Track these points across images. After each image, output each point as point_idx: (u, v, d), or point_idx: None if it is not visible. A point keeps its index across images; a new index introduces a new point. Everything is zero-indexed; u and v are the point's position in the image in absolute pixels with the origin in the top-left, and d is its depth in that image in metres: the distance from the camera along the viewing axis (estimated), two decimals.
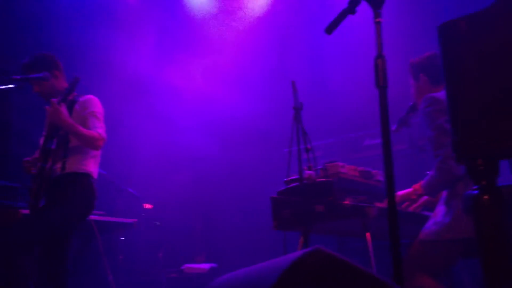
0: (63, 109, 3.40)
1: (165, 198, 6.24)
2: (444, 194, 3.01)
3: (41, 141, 3.65)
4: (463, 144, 1.49)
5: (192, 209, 6.45)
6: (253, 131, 6.16)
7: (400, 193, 3.18)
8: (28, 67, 3.61)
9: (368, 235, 2.99)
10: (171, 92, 6.44)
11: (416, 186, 3.11)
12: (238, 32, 6.54)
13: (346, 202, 3.01)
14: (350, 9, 1.98)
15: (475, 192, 1.49)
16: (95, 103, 3.61)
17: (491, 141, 1.45)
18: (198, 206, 6.45)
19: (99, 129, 3.51)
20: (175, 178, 6.32)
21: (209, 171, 6.32)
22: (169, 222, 6.11)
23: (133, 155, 6.17)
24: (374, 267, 2.95)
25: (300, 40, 6.34)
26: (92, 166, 3.62)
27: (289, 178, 3.32)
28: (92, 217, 4.02)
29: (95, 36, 5.81)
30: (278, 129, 4.51)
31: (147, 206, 5.95)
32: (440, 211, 2.97)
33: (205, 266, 5.73)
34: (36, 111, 4.18)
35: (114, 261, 5.18)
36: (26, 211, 3.60)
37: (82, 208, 3.52)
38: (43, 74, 3.53)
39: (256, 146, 6.17)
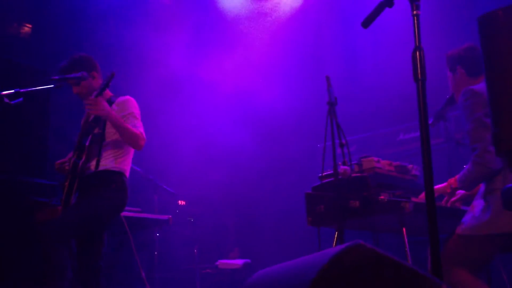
0: (103, 101, 3.44)
1: (199, 194, 6.30)
2: (482, 188, 2.97)
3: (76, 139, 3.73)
4: (503, 137, 1.47)
5: (226, 205, 6.50)
6: (289, 127, 6.17)
7: (435, 187, 3.15)
8: (67, 69, 3.68)
9: (404, 230, 2.96)
10: (207, 89, 6.50)
11: (451, 180, 3.07)
12: (272, 30, 6.54)
13: (382, 197, 2.99)
14: (388, 2, 1.96)
15: None
16: (133, 104, 3.66)
17: None
18: (231, 201, 6.49)
19: (140, 129, 3.56)
20: (209, 174, 6.38)
21: (243, 167, 6.35)
22: (203, 218, 6.16)
23: (168, 151, 6.25)
24: (410, 263, 2.92)
25: (334, 35, 6.31)
26: (126, 164, 3.67)
27: (324, 174, 3.31)
28: (128, 213, 4.09)
29: (131, 34, 5.91)
30: (314, 125, 4.50)
31: (181, 202, 6.02)
32: (478, 205, 2.93)
33: (239, 261, 5.77)
34: (73, 111, 4.27)
35: (150, 257, 5.26)
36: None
37: (115, 206, 3.56)
38: (81, 74, 3.60)
39: (291, 141, 6.18)
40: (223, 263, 5.77)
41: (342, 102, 3.35)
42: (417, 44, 1.81)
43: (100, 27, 5.84)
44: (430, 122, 3.39)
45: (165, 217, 4.63)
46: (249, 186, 6.32)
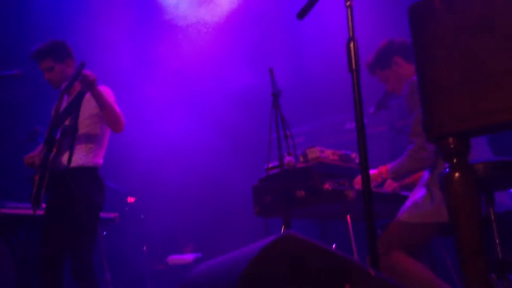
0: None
1: (150, 190, 6.22)
2: (425, 176, 3.04)
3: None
4: (434, 124, 1.51)
5: (178, 200, 6.44)
6: (233, 120, 6.15)
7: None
8: (38, 54, 3.52)
9: (348, 217, 3.02)
10: (155, 81, 6.40)
11: (382, 169, 3.11)
12: (217, 22, 6.51)
13: (326, 186, 3.04)
14: None
15: (446, 170, 1.51)
16: (109, 93, 3.53)
17: (461, 120, 1.47)
18: (184, 197, 6.44)
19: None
20: (159, 170, 6.30)
21: (191, 162, 6.31)
22: (155, 214, 6.09)
23: (117, 148, 6.13)
24: (355, 249, 2.99)
25: (278, 26, 6.32)
26: (99, 158, 3.53)
27: (270, 165, 3.34)
28: None
29: (75, 28, 5.74)
30: (259, 117, 4.51)
31: (130, 199, 5.91)
32: (420, 192, 3.00)
33: (190, 256, 5.74)
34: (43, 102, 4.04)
35: (97, 257, 5.15)
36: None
37: (96, 205, 3.43)
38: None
39: (236, 134, 6.17)
40: (174, 259, 5.73)
41: (287, 94, 3.37)
42: (351, 35, 1.83)
43: (41, 24, 5.66)
44: (371, 110, 3.45)
45: (111, 215, 4.54)
46: (202, 180, 6.28)
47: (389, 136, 4.58)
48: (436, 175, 2.87)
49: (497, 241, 2.59)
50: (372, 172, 3.17)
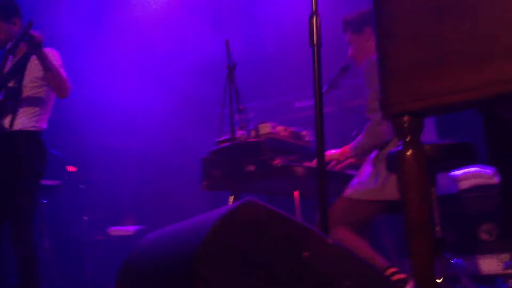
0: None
1: (93, 160, 6.07)
2: (372, 155, 3.12)
3: None
4: (390, 101, 1.54)
5: (122, 171, 6.32)
6: (185, 91, 6.07)
7: (329, 152, 3.27)
8: None
9: (296, 193, 3.07)
10: (102, 53, 6.20)
11: (346, 148, 3.20)
12: None
13: (276, 162, 3.06)
14: None
15: (399, 147, 1.55)
16: (56, 56, 3.39)
17: (416, 99, 1.51)
18: (127, 168, 6.32)
19: None
20: (102, 139, 6.14)
21: (137, 132, 6.19)
22: (97, 185, 5.96)
23: (58, 115, 5.94)
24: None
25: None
26: (43, 122, 3.42)
27: (221, 139, 3.33)
28: None
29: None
30: (212, 90, 4.48)
31: (70, 168, 5.74)
32: (366, 171, 3.08)
33: (132, 228, 5.68)
34: None
35: (38, 226, 5.02)
36: None
37: (37, 170, 3.32)
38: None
39: (189, 106, 6.10)
40: (115, 230, 5.66)
41: (239, 69, 3.35)
42: (314, 9, 1.83)
43: None
44: (324, 89, 3.48)
45: (53, 182, 4.42)
46: (148, 152, 6.18)
47: (339, 116, 4.65)
48: (383, 153, 2.95)
49: (437, 221, 2.70)
50: (336, 151, 3.24)
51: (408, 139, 1.53)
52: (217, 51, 3.75)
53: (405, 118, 1.53)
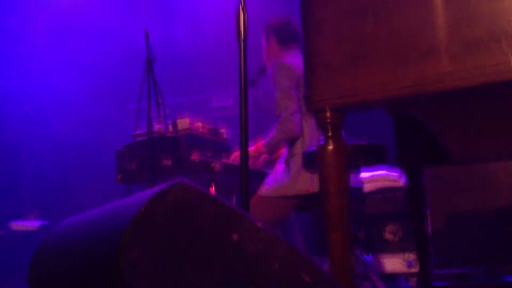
0: None
1: None
2: (284, 153, 3.20)
3: None
4: (315, 97, 1.58)
5: (25, 163, 5.99)
6: (105, 82, 5.86)
7: None
8: None
9: (211, 189, 3.07)
10: (16, 43, 5.87)
11: (259, 144, 3.26)
12: None
13: (194, 157, 3.05)
14: None
15: (321, 142, 1.59)
16: None
17: (338, 96, 1.57)
18: (32, 160, 6.00)
19: None
20: (9, 128, 5.80)
21: (50, 122, 5.90)
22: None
23: None
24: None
25: None
26: None
27: (138, 132, 3.26)
28: None
29: None
30: (130, 81, 4.36)
31: None
32: (279, 169, 3.15)
33: (35, 223, 5.41)
34: None
35: None
36: None
37: None
38: None
39: (106, 98, 5.89)
40: (17, 224, 5.35)
41: (159, 63, 3.30)
42: (242, 4, 1.84)
43: None
44: None
45: None
46: (58, 142, 5.89)
47: (256, 117, 4.70)
48: (293, 149, 3.05)
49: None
50: (250, 148, 3.27)
51: (330, 134, 1.58)
52: (138, 42, 3.66)
53: (328, 113, 1.58)
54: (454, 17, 1.48)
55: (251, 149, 3.32)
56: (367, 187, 3.93)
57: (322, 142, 1.59)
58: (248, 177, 1.96)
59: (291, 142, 3.10)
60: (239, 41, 1.85)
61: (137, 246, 0.85)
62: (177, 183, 0.95)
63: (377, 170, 3.96)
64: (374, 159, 2.71)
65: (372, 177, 4.00)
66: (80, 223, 1.16)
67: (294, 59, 3.12)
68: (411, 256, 3.60)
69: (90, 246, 0.98)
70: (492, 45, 1.43)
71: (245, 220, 0.96)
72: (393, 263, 3.69)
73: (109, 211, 1.05)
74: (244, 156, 1.94)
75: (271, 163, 3.44)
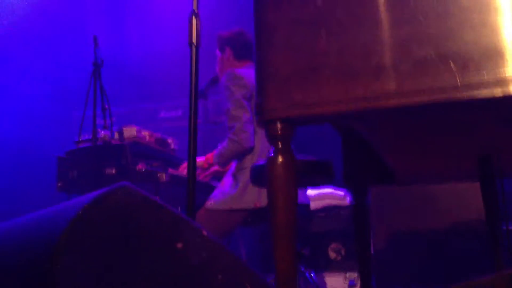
0: None
1: None
2: (232, 166, 3.17)
3: None
4: (266, 107, 1.56)
5: None
6: (49, 86, 5.67)
7: None
8: None
9: (157, 199, 2.99)
10: None
11: (209, 155, 3.22)
12: None
13: (139, 166, 2.97)
14: None
15: (271, 154, 1.57)
16: None
17: (289, 107, 1.55)
18: None
19: None
20: None
21: None
22: None
23: None
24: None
25: None
26: None
27: (81, 139, 3.15)
28: None
29: None
30: (76, 87, 4.23)
31: None
32: (227, 182, 3.12)
33: None
34: None
35: None
36: None
37: None
38: None
39: (50, 103, 5.69)
40: None
41: (106, 69, 3.22)
42: (195, 9, 1.82)
43: None
44: None
45: None
46: None
47: (204, 129, 4.66)
48: (242, 163, 3.03)
49: None
50: (199, 159, 3.22)
51: (279, 146, 1.56)
52: (85, 47, 3.56)
53: (278, 124, 1.56)
54: (404, 36, 1.50)
55: (201, 159, 3.27)
56: (313, 205, 3.95)
57: (271, 154, 1.57)
58: (195, 188, 1.93)
59: (241, 156, 3.07)
60: (190, 45, 1.81)
61: (74, 251, 0.80)
62: (119, 186, 0.90)
63: (323, 188, 3.99)
64: (322, 175, 2.72)
65: (318, 194, 4.03)
66: (12, 228, 1.09)
67: (248, 70, 3.12)
68: (353, 275, 3.62)
69: (23, 251, 0.91)
70: (440, 65, 1.46)
71: (190, 228, 0.92)
72: (336, 281, 3.71)
73: (45, 215, 0.98)
74: (192, 166, 1.91)
75: (219, 176, 3.40)
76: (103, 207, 0.86)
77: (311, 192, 3.95)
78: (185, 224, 0.94)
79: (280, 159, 1.54)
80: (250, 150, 3.04)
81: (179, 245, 0.90)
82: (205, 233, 0.94)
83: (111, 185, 0.91)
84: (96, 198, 0.86)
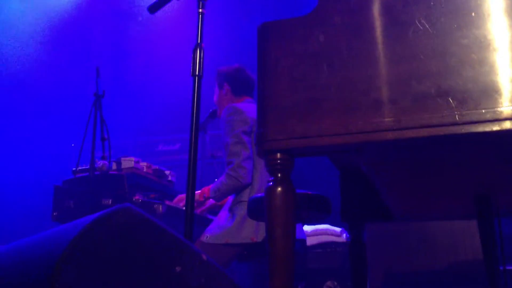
0: None
1: None
2: (229, 200, 3.15)
3: None
4: (266, 138, 1.57)
5: None
6: (49, 117, 5.69)
7: None
8: None
9: None
10: None
11: (205, 189, 3.20)
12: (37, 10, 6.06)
13: (136, 197, 2.96)
14: None
15: (270, 184, 1.57)
16: None
17: (289, 138, 1.56)
18: None
19: None
20: None
21: None
22: None
23: None
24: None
25: (105, 28, 6.11)
26: None
27: (79, 168, 3.15)
28: None
29: None
30: (75, 117, 4.25)
31: None
32: (223, 216, 3.10)
33: None
34: None
35: None
36: None
37: None
38: None
39: (50, 132, 5.70)
40: None
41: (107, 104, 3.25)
42: (199, 41, 1.85)
43: None
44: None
45: None
46: None
47: (201, 164, 4.66)
48: (240, 197, 3.01)
49: None
50: (196, 192, 3.20)
51: (279, 176, 1.57)
52: (87, 78, 3.60)
53: (278, 155, 1.57)
54: (404, 73, 1.53)
55: (198, 193, 3.25)
56: (310, 240, 3.92)
57: (270, 184, 1.57)
58: (193, 220, 1.92)
59: (240, 189, 3.06)
60: (193, 76, 1.84)
61: (74, 269, 0.79)
62: (122, 207, 0.90)
63: (319, 224, 3.97)
64: (320, 210, 2.71)
65: (315, 230, 4.00)
66: (14, 247, 1.08)
67: (249, 105, 3.14)
68: None
69: (24, 268, 0.91)
70: (439, 101, 1.48)
71: (190, 251, 0.92)
72: None
73: (47, 235, 0.98)
74: (190, 198, 1.90)
75: (215, 210, 3.39)
76: (105, 227, 0.86)
77: (307, 228, 3.93)
78: (185, 248, 0.93)
79: (279, 188, 1.55)
80: (248, 186, 3.03)
81: (178, 269, 0.89)
82: (205, 257, 0.93)
83: (115, 206, 0.92)
84: (98, 218, 0.87)
